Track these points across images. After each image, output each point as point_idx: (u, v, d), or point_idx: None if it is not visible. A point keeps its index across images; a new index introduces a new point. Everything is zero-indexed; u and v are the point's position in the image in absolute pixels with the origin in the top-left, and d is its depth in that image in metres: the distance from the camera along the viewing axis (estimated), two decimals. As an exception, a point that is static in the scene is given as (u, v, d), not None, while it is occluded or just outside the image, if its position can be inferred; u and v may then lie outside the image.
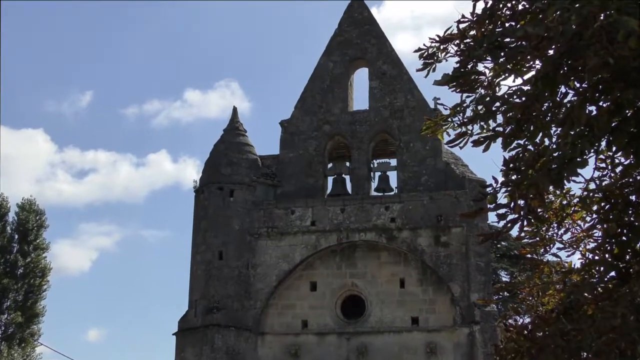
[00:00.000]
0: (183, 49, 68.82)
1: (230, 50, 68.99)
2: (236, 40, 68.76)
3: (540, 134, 5.73)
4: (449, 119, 6.22)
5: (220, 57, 68.93)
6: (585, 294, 6.71)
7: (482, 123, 5.95)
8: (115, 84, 68.70)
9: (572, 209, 7.55)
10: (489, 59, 5.75)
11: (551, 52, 5.46)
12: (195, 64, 68.97)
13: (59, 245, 65.71)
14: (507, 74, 5.74)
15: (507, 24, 5.79)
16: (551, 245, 8.17)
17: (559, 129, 5.65)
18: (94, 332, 63.21)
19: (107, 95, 68.98)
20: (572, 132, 5.50)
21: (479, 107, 5.92)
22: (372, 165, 23.08)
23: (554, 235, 8.07)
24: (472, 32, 5.95)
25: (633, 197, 6.27)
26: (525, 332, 7.23)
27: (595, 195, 6.40)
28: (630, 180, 6.16)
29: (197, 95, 70.44)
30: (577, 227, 8.03)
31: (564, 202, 7.52)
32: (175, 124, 69.80)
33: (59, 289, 57.93)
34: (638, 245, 6.31)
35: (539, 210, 6.03)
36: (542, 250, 8.35)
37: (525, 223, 5.98)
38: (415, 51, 6.37)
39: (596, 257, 6.89)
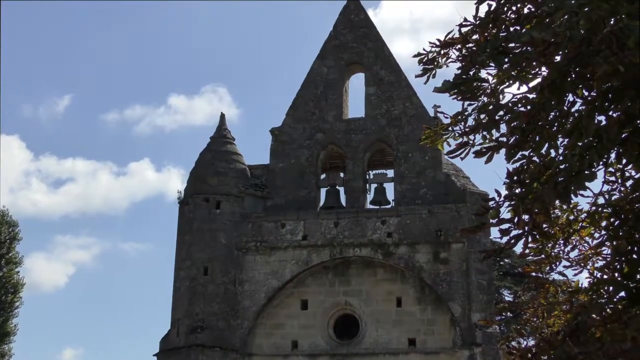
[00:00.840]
0: (167, 51, 68.91)
1: (217, 53, 69.09)
2: (224, 43, 68.89)
3: (546, 145, 5.73)
4: (450, 128, 6.23)
5: (207, 60, 69.03)
6: (593, 316, 6.70)
7: (484, 133, 5.96)
8: (96, 88, 68.74)
9: (580, 224, 7.55)
10: (493, 65, 5.76)
11: (558, 58, 5.47)
12: (180, 67, 69.07)
13: (33, 260, 65.47)
14: (511, 81, 5.75)
15: (511, 28, 5.81)
16: (557, 263, 8.17)
17: (566, 140, 5.66)
18: (69, 352, 62.98)
19: (86, 100, 68.97)
20: (580, 143, 5.51)
21: (482, 116, 5.93)
22: (367, 177, 23.07)
23: (560, 252, 8.07)
24: (475, 37, 5.97)
25: (644, 213, 6.27)
26: (530, 355, 7.22)
27: (604, 210, 6.40)
28: (641, 194, 6.17)
29: (182, 100, 70.52)
30: (585, 244, 8.04)
31: (571, 217, 7.52)
32: (158, 131, 69.88)
33: (33, 306, 57.86)
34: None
35: (544, 225, 6.04)
36: (547, 268, 8.35)
37: (529, 239, 5.99)
38: (415, 56, 6.39)
39: (605, 276, 6.88)
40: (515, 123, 5.76)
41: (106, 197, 68.32)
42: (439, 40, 6.23)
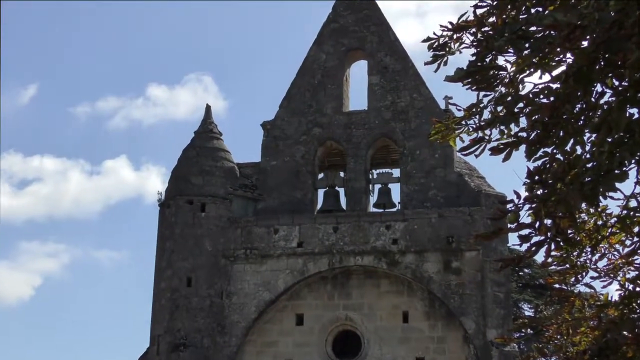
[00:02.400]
0: (145, 35, 68.86)
1: (202, 38, 69.08)
2: (209, 26, 68.87)
3: (572, 141, 5.72)
4: (463, 122, 6.21)
5: (190, 45, 69.00)
6: (625, 333, 6.70)
7: (502, 127, 5.94)
8: (65, 76, 68.69)
9: (609, 230, 7.54)
10: (511, 51, 5.75)
11: (585, 43, 5.46)
12: (160, 53, 69.02)
13: (-5, 269, 65.51)
14: (532, 69, 5.73)
15: (533, 10, 5.80)
16: (583, 274, 8.17)
17: (594, 135, 5.64)
18: (37, 372, 62.90)
19: (54, 90, 68.96)
20: (610, 139, 5.50)
21: (499, 108, 5.91)
22: (370, 176, 23.10)
23: (587, 261, 8.07)
24: (492, 19, 5.96)
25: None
26: (552, 377, 7.21)
27: (637, 214, 6.40)
28: (678, 197, 6.17)
29: (162, 91, 70.54)
30: (615, 253, 8.04)
31: (600, 222, 7.52)
32: (136, 125, 69.83)
33: (-5, 321, 57.76)
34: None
35: (569, 231, 6.02)
36: (572, 279, 8.36)
37: (552, 247, 5.97)
38: (424, 41, 6.36)
39: (637, 289, 6.89)
40: (536, 116, 5.75)
41: (77, 199, 68.31)
42: (451, 23, 6.22)
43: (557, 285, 8.75)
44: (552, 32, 5.52)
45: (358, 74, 24.66)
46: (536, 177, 5.83)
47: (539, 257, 6.37)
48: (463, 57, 6.31)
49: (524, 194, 5.89)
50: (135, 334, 63.13)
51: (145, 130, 70.16)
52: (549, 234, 5.85)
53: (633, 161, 5.63)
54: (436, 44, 6.31)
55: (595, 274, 8.16)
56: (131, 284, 64.92)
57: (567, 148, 5.75)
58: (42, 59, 68.05)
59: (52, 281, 66.34)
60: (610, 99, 5.62)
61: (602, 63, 5.48)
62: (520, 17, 5.82)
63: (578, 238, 7.44)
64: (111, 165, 70.05)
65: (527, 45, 5.66)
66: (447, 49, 6.30)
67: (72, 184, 68.24)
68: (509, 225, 5.96)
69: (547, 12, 5.65)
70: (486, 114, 6.04)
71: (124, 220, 68.87)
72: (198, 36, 68.67)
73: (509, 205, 5.95)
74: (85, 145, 69.20)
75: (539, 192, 5.82)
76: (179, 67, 70.89)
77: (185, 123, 68.80)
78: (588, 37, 5.42)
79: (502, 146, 5.97)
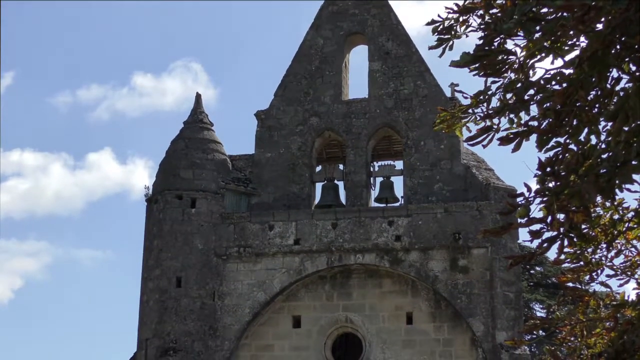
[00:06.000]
0: (130, 19, 68.79)
1: (190, 22, 69.00)
2: (198, 9, 68.79)
3: (586, 130, 5.72)
4: (470, 111, 6.22)
5: (178, 30, 68.96)
6: (642, 334, 6.71)
7: (511, 116, 5.95)
8: (43, 63, 68.52)
9: (626, 225, 7.56)
10: (521, 34, 5.74)
11: (600, 26, 5.46)
12: (145, 39, 68.97)
13: (-29, 270, 65.55)
14: (543, 54, 5.73)
15: (544, -10, 5.79)
16: (599, 272, 8.18)
17: (610, 124, 5.64)
18: (17, 379, 63.00)
19: (31, 79, 68.82)
20: (627, 128, 5.50)
21: (508, 96, 5.91)
22: (372, 169, 23.11)
23: (603, 258, 8.08)
24: (500, 0, 5.95)
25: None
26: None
27: (655, 208, 6.41)
28: (699, 189, 6.16)
29: (148, 80, 70.44)
30: (632, 249, 8.05)
31: (616, 216, 7.53)
32: (120, 116, 69.76)
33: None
34: None
35: (583, 226, 6.02)
36: (587, 277, 8.37)
37: (565, 243, 5.97)
38: (428, 24, 6.36)
39: (656, 287, 6.90)
40: (548, 104, 5.75)
41: (58, 195, 68.31)
42: (457, 4, 6.21)
43: (570, 284, 8.76)
44: (564, 13, 5.52)
45: (358, 60, 24.63)
46: (548, 169, 5.83)
47: (552, 253, 6.38)
48: (470, 41, 6.31)
49: (535, 186, 5.89)
50: (122, 338, 63.18)
51: (131, 121, 70.18)
52: (561, 229, 5.85)
53: (651, 152, 5.63)
54: (441, 27, 6.30)
55: (611, 272, 8.18)
56: (117, 285, 64.98)
57: (581, 138, 5.75)
58: (18, 44, 67.95)
59: (32, 282, 66.46)
60: (627, 85, 5.62)
61: (618, 47, 5.48)
62: (531, -3, 5.81)
63: (593, 233, 7.46)
64: (95, 158, 70.08)
65: (538, 28, 5.66)
66: (453, 33, 6.29)
67: (53, 179, 68.31)
68: (519, 220, 5.96)
69: (559, -8, 5.64)
70: (494, 102, 6.05)
71: (109, 217, 68.89)
72: (186, 20, 68.63)
73: (519, 199, 5.95)
74: (66, 137, 69.21)
75: (551, 185, 5.82)
76: (167, 54, 70.84)
77: (173, 113, 68.87)
78: (603, 18, 5.42)
79: (511, 136, 5.98)
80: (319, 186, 23.28)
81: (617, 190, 5.64)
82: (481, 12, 6.07)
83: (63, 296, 65.23)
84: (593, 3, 5.33)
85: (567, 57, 5.69)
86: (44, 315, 63.14)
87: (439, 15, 6.31)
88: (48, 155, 72.95)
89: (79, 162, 74.64)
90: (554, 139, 5.82)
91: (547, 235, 5.91)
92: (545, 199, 5.80)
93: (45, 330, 62.99)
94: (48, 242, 69.06)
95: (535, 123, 5.87)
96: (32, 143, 74.26)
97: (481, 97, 6.09)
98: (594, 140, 5.74)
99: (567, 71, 5.68)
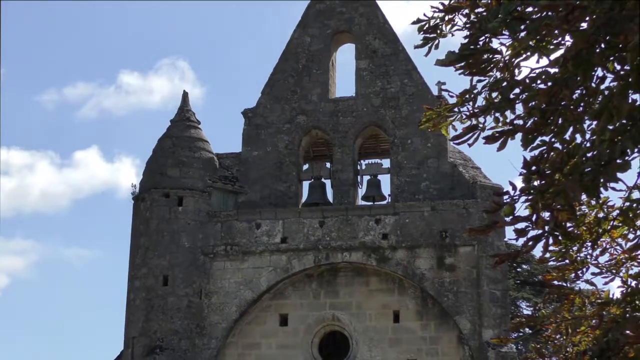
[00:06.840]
0: (116, 17, 68.59)
1: (177, 20, 68.84)
2: (185, 6, 68.67)
3: (571, 129, 5.75)
4: (456, 109, 6.23)
5: (164, 28, 68.80)
6: (627, 332, 6.73)
7: (497, 114, 5.96)
8: (29, 61, 68.26)
9: (611, 223, 7.58)
10: (506, 33, 5.76)
11: (584, 25, 5.47)
12: (132, 37, 68.75)
13: (-43, 268, 65.27)
14: (529, 53, 5.75)
15: (529, -11, 5.81)
16: (584, 270, 8.20)
17: (594, 123, 5.67)
18: (4, 378, 62.80)
19: (17, 77, 68.56)
20: (611, 127, 5.52)
21: (494, 94, 5.93)
22: (359, 167, 23.11)
23: (588, 256, 8.10)
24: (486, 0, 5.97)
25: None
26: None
27: (640, 206, 6.43)
28: (684, 187, 6.20)
29: (135, 78, 70.24)
30: (617, 247, 8.07)
31: (600, 214, 7.55)
32: (107, 114, 69.58)
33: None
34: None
35: (568, 225, 6.05)
36: (572, 275, 8.39)
37: (551, 241, 5.99)
38: (414, 23, 6.38)
39: (640, 285, 6.93)
40: (533, 103, 5.77)
41: (45, 193, 68.09)
42: (442, 4, 6.23)
43: (556, 282, 8.79)
44: (549, 12, 5.54)
45: (345, 59, 24.64)
46: (533, 167, 5.85)
47: (537, 252, 6.40)
48: (455, 39, 6.32)
49: (520, 185, 5.91)
50: (109, 337, 62.98)
51: (118, 120, 69.96)
52: (546, 227, 5.87)
53: (636, 150, 5.65)
54: (427, 26, 6.32)
55: (596, 270, 8.20)
56: (103, 283, 64.88)
57: (566, 136, 5.78)
58: (4, 42, 67.69)
59: (19, 281, 66.21)
60: (611, 84, 5.64)
61: (602, 46, 5.50)
62: (516, -3, 5.83)
63: (578, 232, 7.47)
64: (81, 157, 69.95)
65: (523, 27, 5.68)
66: (439, 32, 6.31)
67: (39, 177, 68.08)
68: (505, 219, 5.98)
69: (544, -9, 5.66)
70: (480, 101, 6.07)
71: (96, 215, 68.72)
72: (172, 18, 68.45)
73: (504, 197, 5.97)
74: (53, 135, 68.97)
75: (536, 183, 5.84)
76: (153, 52, 70.71)
77: (159, 112, 68.68)
78: (588, 18, 5.44)
79: (497, 134, 6.00)
80: (306, 184, 23.26)
81: (601, 189, 5.67)
82: (467, 11, 6.09)
83: (49, 294, 65.04)
84: (577, 2, 5.35)
85: (552, 56, 5.71)
86: (31, 314, 62.99)
87: (424, 14, 6.33)
88: (35, 153, 72.78)
89: (65, 160, 74.38)
90: (539, 138, 5.84)
91: (532, 233, 5.94)
92: (530, 197, 5.82)
93: (32, 329, 62.83)
94: (35, 240, 68.78)
95: (521, 122, 5.90)
96: (19, 141, 73.86)
97: (467, 96, 6.11)
98: (578, 139, 5.77)
99: (552, 70, 5.71)
